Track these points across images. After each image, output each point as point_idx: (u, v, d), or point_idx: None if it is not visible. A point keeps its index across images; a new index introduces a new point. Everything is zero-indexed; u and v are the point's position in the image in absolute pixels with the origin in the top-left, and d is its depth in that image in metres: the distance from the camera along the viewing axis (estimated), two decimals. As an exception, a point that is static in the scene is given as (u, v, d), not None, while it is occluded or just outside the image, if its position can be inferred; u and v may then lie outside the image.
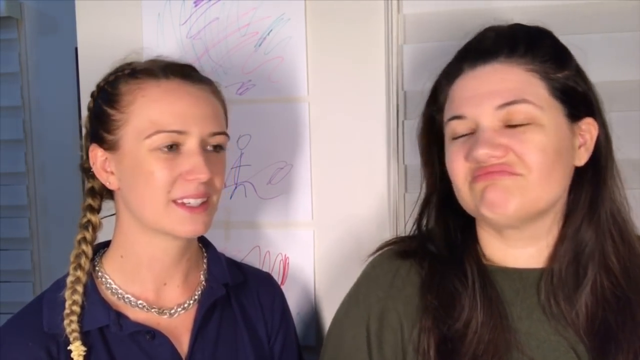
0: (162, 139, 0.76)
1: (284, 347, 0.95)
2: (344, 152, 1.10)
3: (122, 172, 0.79)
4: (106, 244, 0.87)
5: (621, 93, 0.98)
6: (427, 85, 0.84)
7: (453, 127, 0.76)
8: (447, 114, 0.77)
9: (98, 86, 0.84)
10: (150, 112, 0.77)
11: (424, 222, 0.86)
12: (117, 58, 0.85)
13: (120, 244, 0.84)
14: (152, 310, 0.82)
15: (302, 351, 1.02)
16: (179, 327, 0.84)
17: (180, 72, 0.81)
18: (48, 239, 1.89)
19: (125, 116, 0.78)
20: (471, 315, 0.74)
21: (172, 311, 0.84)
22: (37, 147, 1.87)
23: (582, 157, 0.76)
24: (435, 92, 0.82)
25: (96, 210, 0.84)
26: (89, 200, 0.84)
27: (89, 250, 0.81)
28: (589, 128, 0.75)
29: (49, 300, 0.80)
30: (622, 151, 0.80)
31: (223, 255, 0.94)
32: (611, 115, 0.79)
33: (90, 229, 0.82)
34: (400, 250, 0.85)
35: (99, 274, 0.83)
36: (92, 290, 0.80)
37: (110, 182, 0.81)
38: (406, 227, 0.91)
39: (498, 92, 0.72)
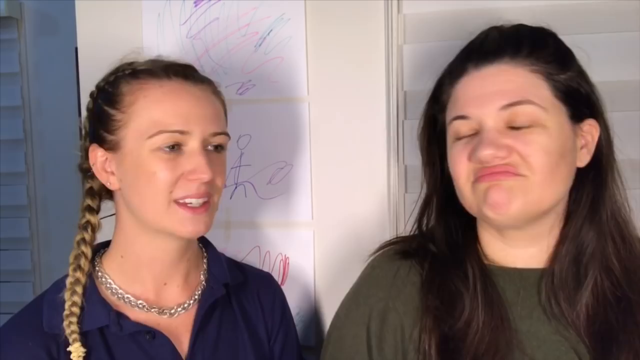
0: (164, 139, 0.76)
1: (284, 347, 0.95)
2: (344, 152, 1.10)
3: (123, 172, 0.79)
4: (106, 244, 0.87)
5: (621, 93, 0.98)
6: (428, 85, 0.84)
7: (456, 127, 0.76)
8: (451, 113, 0.77)
9: (98, 86, 0.84)
10: (152, 112, 0.77)
11: (425, 221, 0.86)
12: (117, 58, 0.85)
13: (121, 244, 0.84)
14: (152, 310, 0.82)
15: (302, 351, 1.02)
16: (179, 327, 0.84)
17: (181, 72, 0.81)
18: (48, 239, 1.89)
19: (126, 116, 0.78)
20: (472, 315, 0.74)
21: (172, 311, 0.84)
22: (37, 147, 1.87)
23: (583, 158, 0.76)
24: (437, 92, 0.82)
25: (95, 211, 0.84)
26: (88, 201, 0.84)
27: (88, 251, 0.81)
28: (590, 129, 0.75)
29: (49, 300, 0.80)
30: (622, 151, 0.80)
31: (223, 255, 0.94)
32: (611, 115, 0.79)
33: (89, 230, 0.82)
34: (400, 250, 0.85)
35: (99, 274, 0.83)
36: (92, 290, 0.80)
37: (111, 183, 0.81)
38: (406, 227, 0.91)
39: (503, 93, 0.72)
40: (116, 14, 1.15)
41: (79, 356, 0.75)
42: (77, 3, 1.17)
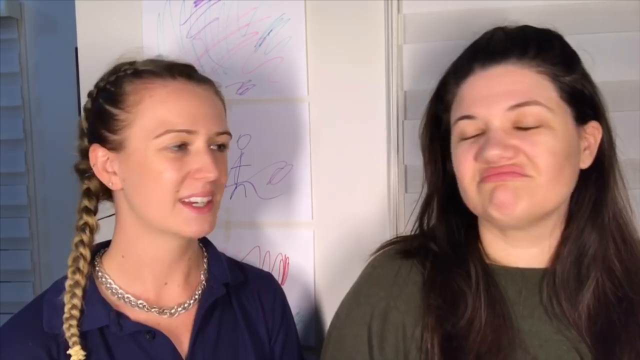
0: (171, 139, 0.77)
1: (285, 346, 0.95)
2: (344, 152, 1.10)
3: (127, 172, 0.79)
4: (105, 244, 0.87)
5: (621, 93, 0.98)
6: (428, 85, 0.84)
7: (462, 127, 0.75)
8: (456, 113, 0.77)
9: (97, 86, 0.83)
10: (158, 112, 0.77)
11: (426, 221, 0.86)
12: (116, 58, 0.85)
13: (121, 244, 0.84)
14: (153, 310, 0.82)
15: (303, 351, 1.02)
16: (179, 327, 0.84)
17: (185, 72, 0.82)
18: (48, 239, 1.88)
19: (131, 116, 0.78)
20: (475, 314, 0.74)
21: (173, 311, 0.84)
22: (37, 147, 1.87)
23: (586, 160, 0.76)
24: (441, 91, 0.81)
25: (93, 212, 0.83)
26: (85, 202, 0.83)
27: (87, 252, 0.81)
28: (593, 131, 0.76)
29: (49, 301, 0.79)
30: (623, 151, 0.80)
31: (223, 254, 0.94)
32: (611, 115, 0.79)
33: (87, 232, 0.82)
34: (401, 249, 0.85)
35: (99, 274, 0.83)
36: (92, 290, 0.80)
37: (113, 183, 0.81)
38: (406, 227, 0.91)
39: (510, 93, 0.72)
40: (116, 14, 1.15)
41: (79, 359, 0.75)
42: (77, 3, 1.17)
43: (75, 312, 0.77)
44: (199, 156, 0.78)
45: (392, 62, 1.07)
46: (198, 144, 0.78)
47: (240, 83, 1.12)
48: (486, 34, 0.79)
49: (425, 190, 0.86)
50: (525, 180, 0.71)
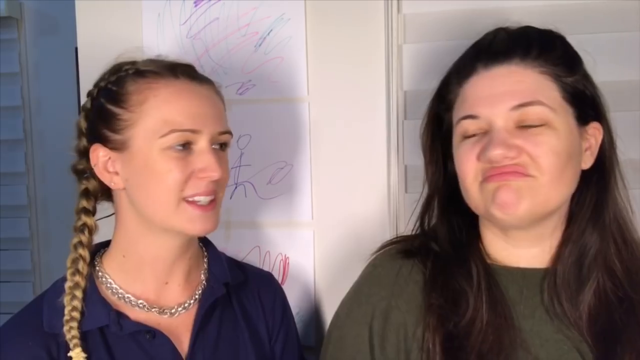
0: (176, 138, 0.77)
1: (285, 346, 0.96)
2: (344, 152, 1.10)
3: (130, 171, 0.79)
4: (105, 244, 0.87)
5: (621, 93, 0.98)
6: (429, 84, 0.84)
7: (465, 126, 0.76)
8: (459, 113, 0.77)
9: (98, 86, 0.83)
10: (163, 111, 0.77)
11: (426, 220, 0.87)
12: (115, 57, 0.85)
13: (123, 244, 0.84)
14: (153, 310, 0.82)
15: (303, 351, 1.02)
16: (179, 326, 0.84)
17: (187, 72, 0.82)
18: (48, 239, 1.88)
19: (135, 115, 0.78)
20: (476, 314, 0.75)
21: (173, 311, 0.84)
22: (37, 147, 1.87)
23: (587, 161, 0.76)
24: (443, 91, 0.81)
25: (91, 213, 0.83)
26: (84, 203, 0.82)
27: (86, 253, 0.81)
28: (594, 132, 0.76)
29: (50, 301, 0.79)
30: (623, 151, 0.80)
31: (223, 254, 0.94)
32: (611, 116, 0.79)
33: (86, 232, 0.81)
34: (402, 249, 0.85)
35: (99, 274, 0.83)
36: (92, 290, 0.80)
37: (115, 183, 0.80)
38: (406, 227, 0.91)
39: (513, 93, 0.72)
40: (116, 14, 1.15)
41: None
42: (77, 3, 1.17)
43: (76, 314, 0.77)
44: (203, 155, 0.78)
45: (392, 62, 1.07)
46: (202, 143, 0.79)
47: (240, 83, 1.12)
48: (488, 34, 0.79)
49: (426, 190, 0.86)
50: (528, 180, 0.71)
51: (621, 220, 0.78)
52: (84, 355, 0.75)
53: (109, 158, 0.80)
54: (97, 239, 0.85)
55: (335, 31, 1.09)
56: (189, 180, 0.78)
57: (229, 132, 0.83)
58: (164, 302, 0.84)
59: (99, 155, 0.80)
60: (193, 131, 0.78)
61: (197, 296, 0.87)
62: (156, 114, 0.77)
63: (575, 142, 0.74)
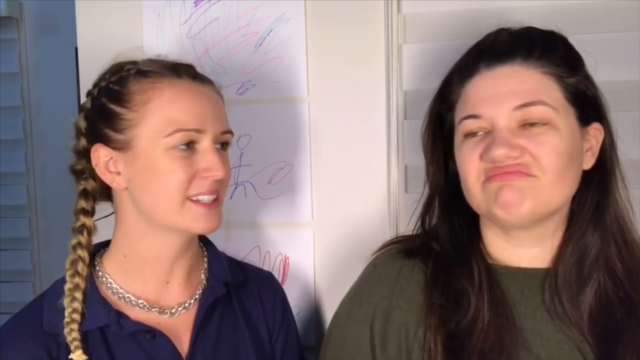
0: (181, 137, 0.77)
1: (286, 346, 0.96)
2: (344, 152, 1.10)
3: (133, 171, 0.79)
4: (105, 244, 0.87)
5: (621, 93, 0.98)
6: (429, 84, 0.84)
7: (467, 126, 0.76)
8: (461, 113, 0.77)
9: (99, 85, 0.82)
10: (167, 111, 0.77)
11: (427, 220, 0.87)
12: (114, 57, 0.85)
13: (123, 244, 0.83)
14: (153, 309, 0.82)
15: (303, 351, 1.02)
16: (179, 326, 0.84)
17: (189, 72, 0.82)
18: (48, 239, 1.89)
19: (139, 115, 0.77)
20: (477, 314, 0.75)
21: (173, 310, 0.84)
22: (37, 147, 1.87)
23: (588, 161, 0.77)
24: (444, 91, 0.82)
25: (90, 214, 0.82)
26: (82, 203, 0.82)
27: (85, 255, 0.80)
28: (595, 133, 0.76)
29: (50, 301, 0.79)
30: (623, 151, 0.80)
31: (224, 254, 0.94)
32: (612, 116, 0.79)
33: (85, 233, 0.81)
34: (403, 248, 0.85)
35: (99, 273, 0.83)
36: (92, 290, 0.80)
37: (117, 183, 0.80)
38: (407, 227, 0.91)
39: (516, 93, 0.72)
40: (116, 14, 1.15)
41: None
42: (77, 3, 1.17)
43: (76, 316, 0.77)
44: (207, 155, 0.79)
45: (392, 62, 1.07)
46: (205, 143, 0.79)
47: (240, 83, 1.12)
48: (490, 34, 0.79)
49: (426, 190, 0.86)
50: (530, 180, 0.71)
51: (622, 220, 0.78)
52: (85, 357, 0.75)
53: (111, 158, 0.80)
54: (97, 239, 0.85)
55: (335, 31, 1.09)
56: (193, 179, 0.78)
57: (230, 132, 0.84)
58: (164, 302, 0.84)
59: (101, 155, 0.80)
60: (197, 131, 0.78)
61: (197, 296, 0.87)
62: (161, 114, 0.77)
63: (577, 142, 0.74)
